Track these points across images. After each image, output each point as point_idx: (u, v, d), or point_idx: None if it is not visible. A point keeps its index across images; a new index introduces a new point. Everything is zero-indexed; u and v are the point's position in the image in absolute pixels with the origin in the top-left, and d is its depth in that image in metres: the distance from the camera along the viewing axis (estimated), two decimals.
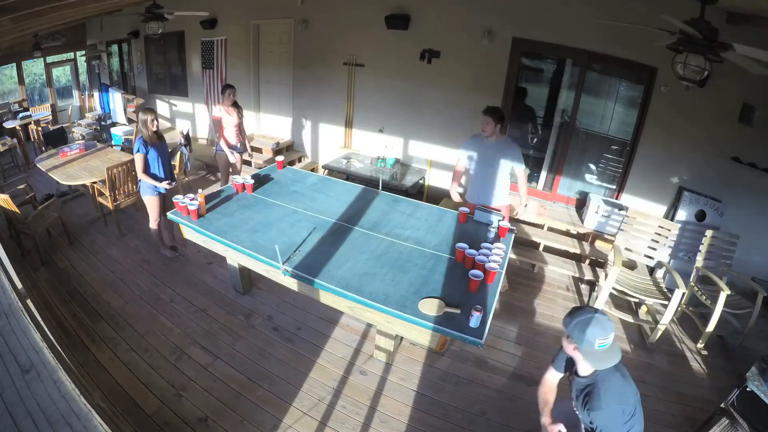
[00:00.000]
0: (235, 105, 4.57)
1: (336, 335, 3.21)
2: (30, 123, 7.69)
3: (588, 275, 4.06)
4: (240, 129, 4.70)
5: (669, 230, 3.82)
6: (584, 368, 1.66)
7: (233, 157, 4.58)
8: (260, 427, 2.47)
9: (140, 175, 3.65)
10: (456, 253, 2.77)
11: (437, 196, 5.32)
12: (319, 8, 5.59)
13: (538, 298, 3.91)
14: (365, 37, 5.36)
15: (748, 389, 2.22)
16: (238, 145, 4.72)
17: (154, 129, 3.64)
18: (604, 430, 1.57)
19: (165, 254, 4.10)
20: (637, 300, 3.61)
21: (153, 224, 3.94)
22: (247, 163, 6.33)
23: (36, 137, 7.51)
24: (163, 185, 3.71)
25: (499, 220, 3.22)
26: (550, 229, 4.51)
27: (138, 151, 3.57)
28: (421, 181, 5.33)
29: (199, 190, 3.18)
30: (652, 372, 3.10)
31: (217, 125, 4.54)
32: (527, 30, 4.41)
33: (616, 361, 1.61)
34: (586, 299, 3.99)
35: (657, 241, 3.83)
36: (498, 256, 2.69)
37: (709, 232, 3.64)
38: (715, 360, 3.30)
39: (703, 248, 3.64)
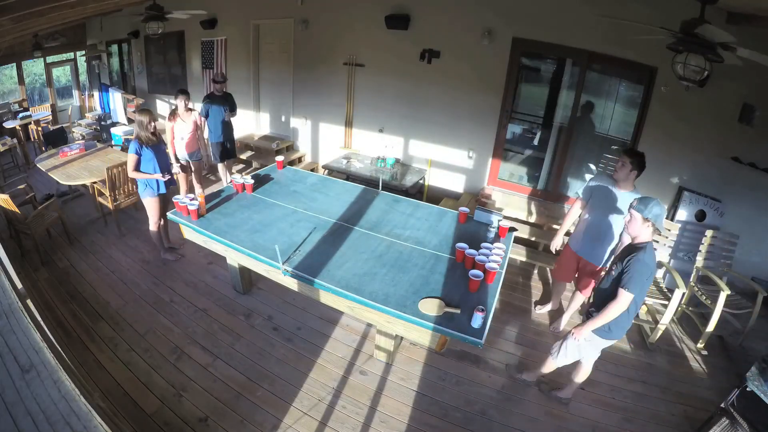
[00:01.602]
0: (189, 110, 4.46)
1: (336, 335, 3.21)
2: (30, 123, 7.69)
3: None
4: (195, 136, 4.55)
5: (669, 230, 3.82)
6: (645, 236, 2.18)
7: (176, 168, 4.24)
8: (260, 427, 2.47)
9: (131, 174, 3.60)
10: (456, 253, 2.77)
11: (437, 196, 5.33)
12: (319, 8, 5.59)
13: (538, 298, 3.91)
14: (365, 37, 5.36)
15: (748, 389, 2.22)
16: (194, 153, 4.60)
17: (152, 130, 3.60)
18: (633, 274, 2.11)
19: (166, 258, 4.05)
20: None
21: (153, 226, 3.91)
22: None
23: (36, 137, 7.51)
24: (157, 176, 3.61)
25: (499, 220, 3.22)
26: (550, 229, 4.51)
27: (131, 151, 3.53)
28: (421, 181, 5.33)
29: (199, 190, 3.18)
30: (652, 372, 3.11)
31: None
32: (527, 30, 4.41)
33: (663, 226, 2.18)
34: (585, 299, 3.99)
35: (657, 241, 3.83)
36: (498, 256, 2.69)
37: (709, 232, 3.64)
38: (715, 360, 3.30)
39: (703, 248, 3.64)
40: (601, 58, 4.27)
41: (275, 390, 2.71)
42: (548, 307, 3.67)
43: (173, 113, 4.42)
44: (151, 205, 3.77)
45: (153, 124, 3.59)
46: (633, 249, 2.21)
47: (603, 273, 2.66)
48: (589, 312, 2.40)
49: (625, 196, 2.73)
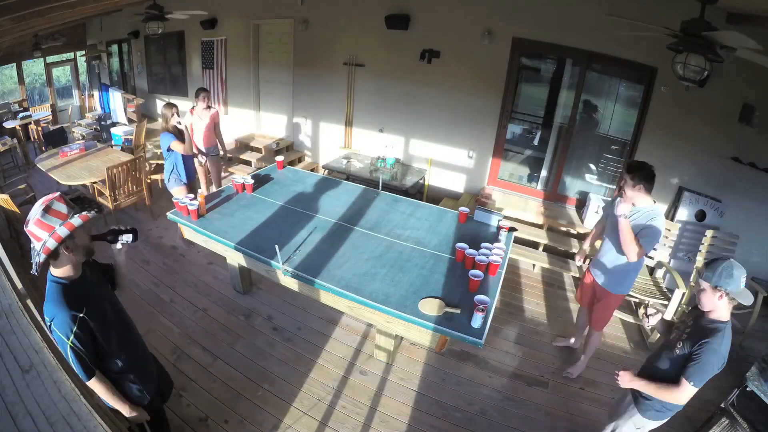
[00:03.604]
0: (208, 108, 4.57)
1: (336, 335, 3.21)
2: (30, 123, 7.70)
3: None
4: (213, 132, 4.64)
5: (669, 230, 3.82)
6: (724, 313, 1.77)
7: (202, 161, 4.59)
8: (260, 427, 2.47)
9: (185, 145, 3.78)
10: (456, 253, 2.77)
11: (437, 196, 5.33)
12: (319, 8, 5.59)
13: (538, 298, 3.91)
14: (365, 37, 5.36)
15: (748, 389, 2.22)
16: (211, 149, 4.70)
17: (174, 124, 3.78)
18: (703, 367, 1.70)
19: (182, 244, 4.19)
20: (637, 300, 3.61)
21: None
22: (248, 162, 6.34)
23: (36, 137, 7.51)
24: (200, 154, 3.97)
25: (499, 220, 3.22)
26: (550, 229, 4.51)
27: (170, 140, 3.74)
28: (421, 181, 5.33)
29: (199, 190, 3.19)
30: None
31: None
32: (527, 30, 4.41)
33: (753, 298, 1.79)
34: None
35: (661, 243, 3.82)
36: (498, 255, 2.69)
37: (709, 232, 3.64)
38: None
39: (703, 248, 3.64)
40: (601, 58, 4.27)
41: (275, 390, 2.71)
42: (569, 342, 3.26)
43: (191, 110, 4.53)
44: (180, 194, 3.89)
45: (176, 118, 3.79)
46: (707, 329, 1.77)
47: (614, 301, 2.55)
48: (641, 396, 1.98)
49: (639, 212, 2.42)
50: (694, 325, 1.87)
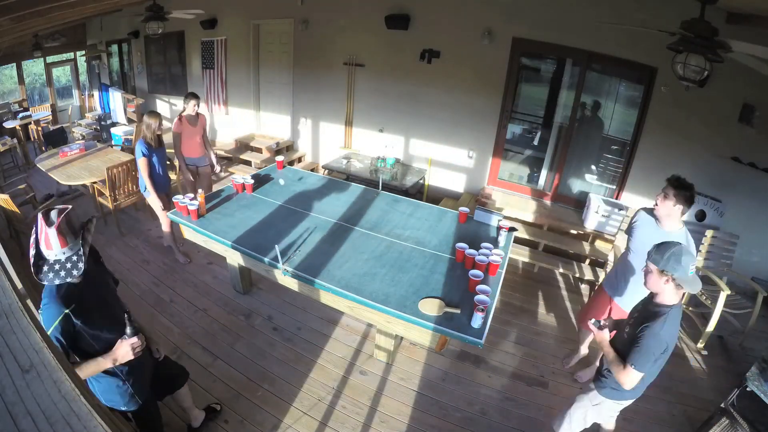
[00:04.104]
0: (197, 115, 4.26)
1: (336, 335, 3.21)
2: (30, 123, 7.70)
3: (588, 275, 4.06)
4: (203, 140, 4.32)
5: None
6: (669, 297, 1.77)
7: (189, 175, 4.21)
8: (260, 427, 2.47)
9: (146, 180, 3.64)
10: (456, 253, 2.77)
11: (437, 196, 5.33)
12: (319, 8, 5.59)
13: (538, 298, 3.91)
14: (365, 37, 5.35)
15: (748, 389, 2.22)
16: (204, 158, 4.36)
17: (158, 133, 3.66)
18: (643, 350, 1.72)
19: (178, 259, 4.03)
20: None
21: (166, 227, 3.89)
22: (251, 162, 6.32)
23: (36, 137, 7.51)
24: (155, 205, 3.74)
25: (499, 220, 3.22)
26: (550, 229, 4.51)
27: (142, 154, 3.57)
28: (421, 181, 5.33)
29: (199, 190, 3.18)
30: None
31: (176, 139, 4.06)
32: (527, 30, 4.41)
33: (700, 286, 1.75)
34: (585, 299, 3.98)
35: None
36: (498, 255, 2.69)
37: (709, 232, 3.64)
38: (715, 360, 3.30)
39: (703, 248, 3.63)
40: (601, 58, 4.27)
41: (275, 390, 2.71)
42: (577, 357, 3.14)
43: (180, 117, 4.15)
44: (156, 204, 3.79)
45: (161, 128, 3.64)
46: (652, 313, 1.79)
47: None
48: (601, 373, 2.04)
49: (669, 237, 2.09)
50: (643, 308, 1.90)
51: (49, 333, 1.49)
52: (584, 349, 3.13)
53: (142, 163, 3.61)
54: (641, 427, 2.65)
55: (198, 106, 4.17)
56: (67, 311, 1.53)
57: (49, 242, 1.47)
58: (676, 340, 1.78)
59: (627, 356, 1.78)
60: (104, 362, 1.65)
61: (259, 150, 6.50)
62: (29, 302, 2.45)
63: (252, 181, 3.60)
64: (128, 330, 1.69)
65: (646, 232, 2.35)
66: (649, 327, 1.73)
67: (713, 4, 2.60)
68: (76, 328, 1.56)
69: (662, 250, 1.73)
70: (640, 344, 1.73)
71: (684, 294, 1.85)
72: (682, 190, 2.18)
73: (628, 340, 1.83)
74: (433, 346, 2.39)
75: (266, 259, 2.66)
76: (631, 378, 1.77)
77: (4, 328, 2.19)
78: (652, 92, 4.06)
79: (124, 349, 1.67)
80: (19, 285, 2.60)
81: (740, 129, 3.77)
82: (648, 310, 1.83)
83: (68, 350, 1.58)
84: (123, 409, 1.84)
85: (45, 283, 1.51)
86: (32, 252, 1.48)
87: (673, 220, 2.28)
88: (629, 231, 2.53)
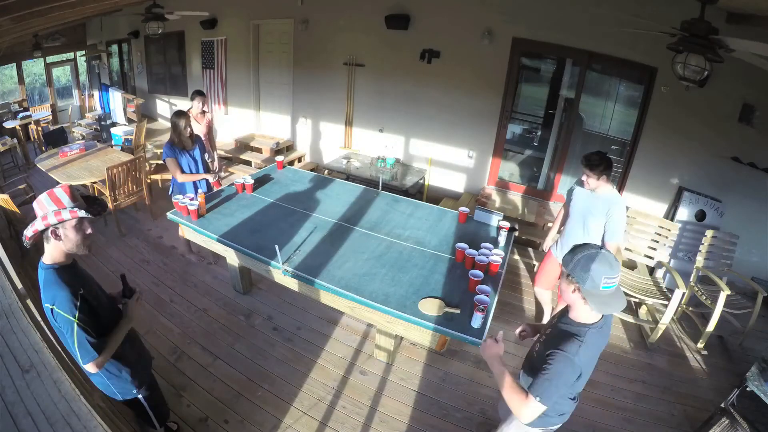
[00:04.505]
0: (203, 113, 4.20)
1: (336, 335, 3.21)
2: (30, 123, 7.69)
3: None
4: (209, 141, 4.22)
5: (669, 230, 3.82)
6: (583, 314, 1.43)
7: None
8: (260, 427, 2.47)
9: (180, 178, 3.43)
10: (456, 253, 2.77)
11: (437, 196, 5.33)
12: (319, 8, 5.59)
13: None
14: (365, 37, 5.35)
15: (748, 389, 2.22)
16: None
17: (188, 134, 3.42)
18: (551, 379, 1.39)
19: (191, 259, 4.01)
20: (637, 300, 3.61)
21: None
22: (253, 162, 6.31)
23: (36, 137, 7.51)
24: (206, 176, 3.52)
25: (499, 220, 3.22)
26: (549, 229, 4.50)
27: (169, 155, 3.38)
28: (421, 181, 5.33)
29: (199, 190, 3.18)
30: (652, 372, 3.10)
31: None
32: (527, 30, 4.41)
33: (621, 308, 1.39)
34: None
35: (657, 241, 3.83)
36: (498, 255, 2.69)
37: (709, 232, 3.64)
38: (715, 360, 3.30)
39: (703, 248, 3.64)
40: (601, 58, 4.28)
41: (275, 390, 2.71)
42: (547, 318, 3.30)
43: (186, 115, 3.95)
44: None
45: (189, 128, 3.41)
46: (564, 333, 1.46)
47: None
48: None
49: (600, 199, 2.56)
50: (555, 324, 1.58)
51: (76, 320, 1.46)
52: (548, 308, 3.32)
53: (169, 164, 3.40)
54: (641, 427, 2.65)
55: (204, 104, 4.22)
56: (81, 292, 1.52)
57: (58, 199, 1.49)
58: (594, 364, 1.47)
59: (531, 382, 1.45)
60: (126, 326, 1.70)
61: (259, 150, 6.50)
62: (29, 302, 2.46)
63: (252, 181, 3.60)
64: (129, 292, 1.78)
65: (581, 197, 2.69)
66: (561, 352, 1.39)
67: (713, 4, 2.60)
68: (91, 305, 1.55)
69: (574, 251, 1.41)
70: (548, 371, 1.39)
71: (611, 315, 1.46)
72: (595, 166, 2.47)
73: (537, 359, 1.54)
74: (433, 346, 2.39)
75: (266, 259, 2.66)
76: (531, 411, 1.41)
77: (4, 328, 2.19)
78: (652, 92, 4.06)
79: (138, 308, 1.75)
80: (19, 285, 2.61)
81: (740, 129, 3.77)
82: (559, 328, 1.51)
83: (90, 331, 1.53)
84: (134, 393, 1.81)
85: (71, 217, 1.48)
86: (41, 223, 1.47)
87: (603, 188, 2.57)
88: (567, 197, 2.81)
